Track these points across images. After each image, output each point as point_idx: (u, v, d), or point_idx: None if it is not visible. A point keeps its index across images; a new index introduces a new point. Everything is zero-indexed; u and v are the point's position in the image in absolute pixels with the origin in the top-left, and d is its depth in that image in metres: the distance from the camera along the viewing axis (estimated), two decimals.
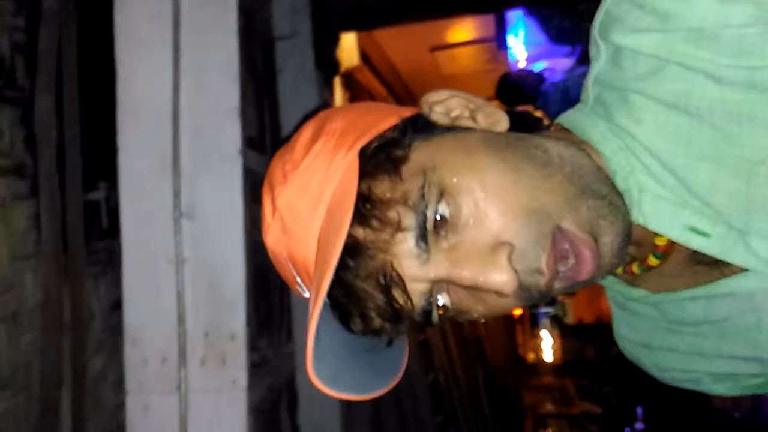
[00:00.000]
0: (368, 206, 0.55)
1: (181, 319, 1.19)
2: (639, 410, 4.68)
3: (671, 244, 0.60)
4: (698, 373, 0.68)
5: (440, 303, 0.58)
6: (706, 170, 0.56)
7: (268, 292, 1.83)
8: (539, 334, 8.47)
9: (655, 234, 0.60)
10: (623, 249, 0.57)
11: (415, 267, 0.55)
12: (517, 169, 0.56)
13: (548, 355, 8.26)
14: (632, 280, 0.67)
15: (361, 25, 2.45)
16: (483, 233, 0.55)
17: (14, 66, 1.33)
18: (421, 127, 0.60)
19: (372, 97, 4.25)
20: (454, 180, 0.55)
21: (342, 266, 0.56)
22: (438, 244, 0.56)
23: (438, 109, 0.63)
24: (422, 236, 0.55)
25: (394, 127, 0.60)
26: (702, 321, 0.63)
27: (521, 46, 4.04)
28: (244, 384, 1.21)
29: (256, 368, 1.44)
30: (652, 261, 0.62)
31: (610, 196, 0.58)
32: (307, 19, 2.02)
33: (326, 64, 2.18)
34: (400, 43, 4.22)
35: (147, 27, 1.25)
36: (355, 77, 3.80)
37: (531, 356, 8.48)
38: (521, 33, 3.89)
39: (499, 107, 0.65)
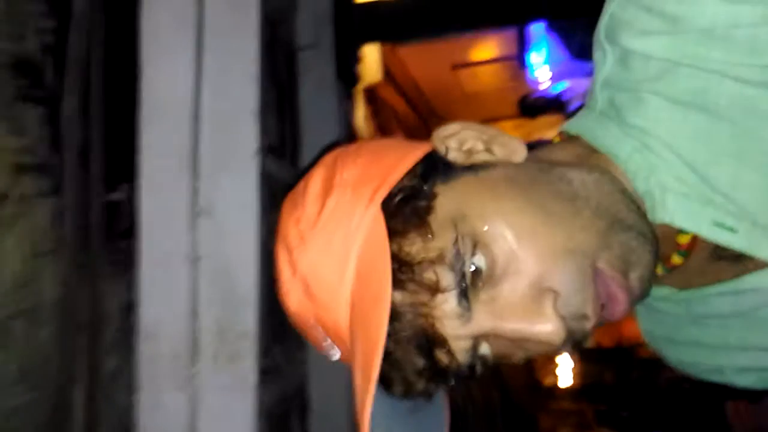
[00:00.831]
0: (403, 269, 0.53)
1: (194, 316, 1.20)
2: None
3: (694, 241, 0.59)
4: (722, 365, 0.67)
5: (481, 353, 0.56)
6: (727, 166, 0.55)
7: (282, 319, 1.83)
8: (557, 358, 8.37)
9: (678, 232, 0.59)
10: (652, 276, 0.57)
11: (459, 327, 0.53)
12: (545, 208, 0.55)
13: (566, 379, 8.15)
14: (655, 280, 0.65)
15: (382, 37, 2.48)
16: (523, 281, 0.53)
17: (43, 67, 1.36)
18: (439, 169, 0.58)
19: (395, 112, 4.28)
20: (486, 228, 0.53)
21: None
22: (477, 297, 0.54)
23: (452, 144, 0.61)
24: (464, 294, 0.53)
25: (412, 173, 0.58)
26: (728, 314, 0.63)
27: (544, 64, 4.04)
28: (254, 382, 1.22)
29: (268, 374, 1.45)
30: (676, 260, 0.62)
31: (638, 225, 0.57)
32: (330, 30, 2.04)
33: (347, 75, 2.20)
34: (423, 60, 4.26)
35: (171, 31, 1.28)
36: (378, 93, 3.83)
37: (548, 380, 8.37)
38: (543, 50, 3.90)
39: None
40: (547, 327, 0.52)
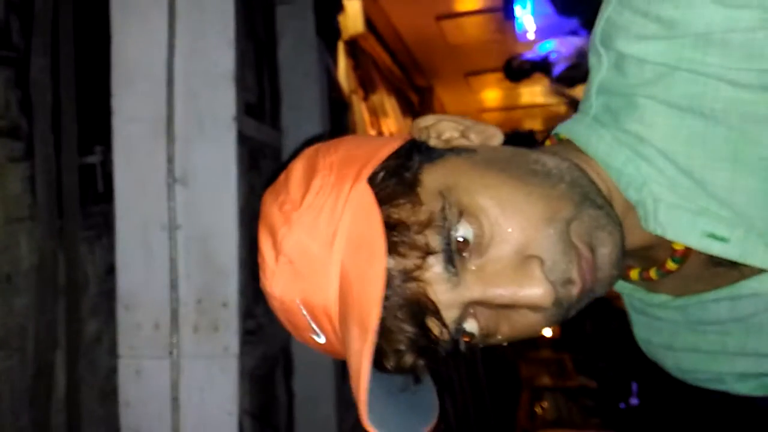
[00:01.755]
0: (393, 233, 0.53)
1: (173, 286, 1.19)
2: (634, 386, 4.72)
3: (688, 248, 0.60)
4: (722, 372, 0.67)
5: (467, 329, 0.56)
6: (724, 170, 0.55)
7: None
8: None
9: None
10: (621, 260, 0.56)
11: (448, 291, 0.54)
12: (525, 181, 0.56)
13: (547, 330, 8.31)
14: (651, 286, 0.67)
15: None
16: (509, 249, 0.54)
17: (9, 26, 1.31)
18: (422, 151, 0.59)
19: (376, 64, 4.21)
20: (471, 200, 0.54)
21: None
22: (465, 267, 0.54)
23: (430, 134, 0.62)
24: (449, 259, 0.53)
25: (397, 154, 0.58)
26: (726, 320, 0.63)
27: (529, 17, 3.98)
28: (236, 351, 1.22)
29: (250, 335, 1.45)
30: (671, 266, 0.62)
31: (605, 207, 0.57)
32: None
33: (328, 30, 2.15)
34: (406, 11, 4.17)
35: None
36: (360, 45, 3.76)
37: None
38: (528, 3, 3.83)
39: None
40: (536, 290, 0.52)
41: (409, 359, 0.56)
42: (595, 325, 6.79)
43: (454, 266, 0.53)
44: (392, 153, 0.58)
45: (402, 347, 0.55)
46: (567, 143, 0.64)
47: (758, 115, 0.53)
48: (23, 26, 1.34)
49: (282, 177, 0.62)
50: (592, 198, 0.57)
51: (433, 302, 0.53)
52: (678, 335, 0.68)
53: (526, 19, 4.03)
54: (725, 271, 0.60)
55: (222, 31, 1.22)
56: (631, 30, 0.56)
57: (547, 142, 0.67)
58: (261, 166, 1.81)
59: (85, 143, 1.47)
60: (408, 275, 0.53)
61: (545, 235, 0.54)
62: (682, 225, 0.57)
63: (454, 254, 0.53)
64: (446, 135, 0.62)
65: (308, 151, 0.62)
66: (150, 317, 1.21)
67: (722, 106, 0.54)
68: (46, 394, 1.34)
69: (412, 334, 0.54)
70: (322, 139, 0.64)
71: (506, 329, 0.57)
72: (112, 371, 1.41)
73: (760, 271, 0.58)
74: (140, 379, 1.22)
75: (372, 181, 0.56)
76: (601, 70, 0.60)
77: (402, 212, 0.54)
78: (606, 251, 0.55)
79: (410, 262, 0.53)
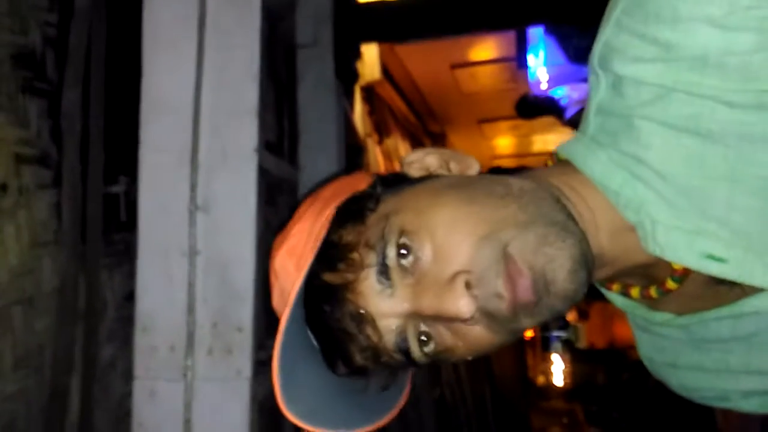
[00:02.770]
0: (334, 251, 0.59)
1: (190, 309, 1.22)
2: None
3: (688, 268, 0.60)
4: (726, 390, 0.68)
5: (423, 338, 0.60)
6: (722, 190, 0.56)
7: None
8: (550, 358, 8.39)
9: None
10: (580, 274, 0.57)
11: (381, 303, 0.58)
12: (473, 201, 0.59)
13: (558, 379, 8.19)
14: (653, 304, 0.67)
15: (381, 37, 2.50)
16: (442, 266, 0.57)
17: (45, 59, 1.38)
18: (394, 181, 0.64)
19: (391, 110, 4.30)
20: (414, 219, 0.58)
21: (320, 311, 0.60)
22: (404, 281, 0.58)
23: (414, 167, 0.66)
24: (383, 272, 0.58)
25: (372, 187, 0.64)
26: (729, 338, 0.63)
27: (542, 66, 4.06)
28: (248, 374, 1.24)
29: (262, 365, 1.47)
30: (671, 285, 0.63)
31: (563, 222, 0.58)
32: (329, 29, 2.06)
33: (346, 73, 2.22)
34: (421, 59, 4.27)
35: (173, 27, 1.30)
36: (376, 91, 3.84)
37: (541, 379, 8.40)
38: (541, 53, 3.91)
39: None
40: (455, 302, 0.55)
41: (357, 362, 0.60)
42: (608, 375, 6.69)
43: (388, 279, 0.58)
44: (369, 185, 0.64)
45: (349, 353, 0.60)
46: (565, 163, 0.65)
47: (755, 135, 0.54)
48: (58, 59, 1.41)
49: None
50: (546, 214, 0.58)
51: (368, 312, 0.59)
52: (681, 353, 0.69)
53: (539, 68, 4.12)
54: (726, 289, 0.60)
55: (247, 68, 1.28)
56: (628, 52, 0.56)
57: (549, 162, 0.69)
58: (278, 202, 1.86)
59: (111, 173, 1.52)
60: (346, 288, 0.58)
61: (478, 252, 0.56)
62: (680, 246, 0.58)
63: (390, 269, 0.58)
64: (432, 168, 0.66)
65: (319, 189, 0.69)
66: (166, 340, 1.24)
67: (719, 126, 0.54)
68: (60, 415, 1.36)
69: (355, 339, 0.59)
70: (337, 177, 0.70)
71: (460, 344, 0.60)
72: (126, 396, 1.43)
73: (761, 289, 0.58)
74: (154, 400, 1.24)
75: (340, 208, 0.61)
76: (599, 91, 0.61)
77: (346, 235, 0.59)
78: (556, 266, 0.56)
79: (347, 276, 0.58)
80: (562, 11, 2.09)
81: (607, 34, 0.58)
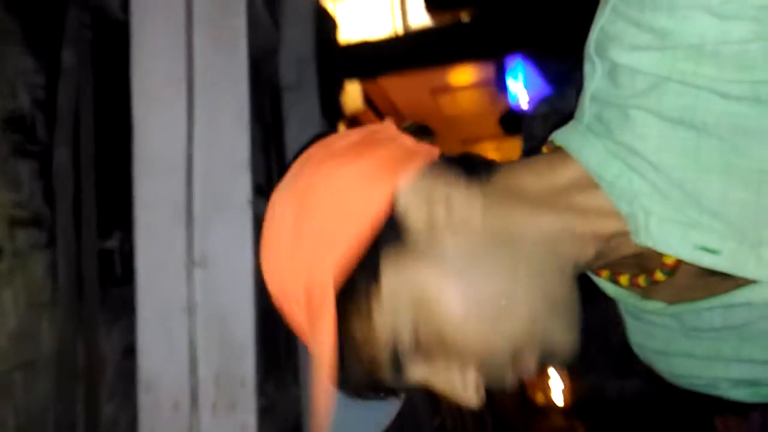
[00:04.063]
0: (347, 348, 0.60)
1: (192, 366, 1.22)
2: None
3: (679, 261, 0.61)
4: (716, 377, 0.68)
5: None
6: (716, 183, 0.55)
7: (275, 335, 1.86)
8: (548, 375, 8.36)
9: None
10: (576, 342, 0.61)
11: (392, 374, 0.61)
12: (481, 303, 0.59)
13: (558, 398, 8.15)
14: (645, 293, 0.67)
15: (363, 73, 2.54)
16: (454, 359, 0.60)
17: (34, 121, 1.39)
18: (393, 237, 0.60)
19: None
20: (427, 320, 0.59)
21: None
22: (413, 358, 0.61)
23: (420, 221, 0.61)
24: (397, 367, 0.60)
25: (368, 247, 0.60)
26: (720, 327, 0.64)
27: (522, 89, 4.12)
28: (253, 428, 1.24)
29: (264, 413, 1.46)
30: (660, 276, 0.63)
31: (570, 301, 0.61)
32: (313, 70, 2.09)
33: (331, 111, 2.25)
34: (402, 87, 4.33)
35: (162, 83, 1.31)
36: (359, 120, 3.88)
37: (540, 397, 8.36)
38: (520, 76, 3.97)
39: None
40: (466, 395, 0.60)
41: (365, 391, 0.63)
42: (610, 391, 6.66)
43: (400, 368, 0.61)
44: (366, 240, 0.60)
45: (357, 383, 0.62)
46: (560, 152, 0.64)
47: (750, 127, 0.53)
48: (48, 121, 1.42)
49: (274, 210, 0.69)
50: (558, 303, 0.60)
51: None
52: (672, 341, 0.69)
53: (518, 91, 4.17)
54: (718, 280, 0.60)
55: (237, 121, 1.29)
56: (624, 40, 0.55)
57: (544, 149, 0.68)
58: None
59: (105, 228, 1.53)
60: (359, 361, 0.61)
61: (490, 357, 0.59)
62: (673, 238, 0.58)
63: (401, 358, 0.60)
64: (435, 220, 0.61)
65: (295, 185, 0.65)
66: (170, 397, 1.24)
67: (714, 118, 0.54)
68: None
69: (365, 379, 0.62)
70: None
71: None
72: None
73: (754, 280, 0.58)
74: None
75: (337, 291, 0.59)
76: (594, 78, 0.60)
77: (357, 331, 0.59)
78: (560, 345, 0.60)
79: (363, 362, 0.60)
80: (540, 41, 2.13)
81: (603, 20, 0.57)
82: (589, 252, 0.63)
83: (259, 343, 1.28)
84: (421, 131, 0.69)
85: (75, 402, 1.39)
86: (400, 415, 0.69)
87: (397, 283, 0.59)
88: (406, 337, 0.59)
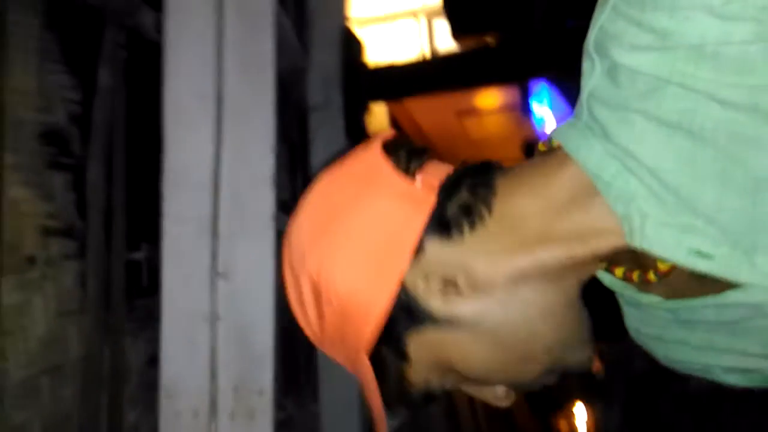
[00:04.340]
0: (384, 389, 0.66)
1: (213, 375, 1.26)
2: None
3: (672, 266, 0.61)
4: (709, 365, 0.70)
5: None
6: (711, 190, 0.55)
7: (295, 353, 1.89)
8: (573, 404, 8.22)
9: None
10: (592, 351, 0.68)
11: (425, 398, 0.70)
12: (503, 354, 0.65)
13: (582, 427, 8.00)
14: (641, 287, 0.68)
15: (388, 96, 2.58)
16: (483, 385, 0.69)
17: (70, 136, 1.45)
18: (411, 320, 0.64)
19: None
20: (451, 369, 0.66)
21: None
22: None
23: (425, 294, 0.64)
24: (428, 398, 0.68)
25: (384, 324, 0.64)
26: (714, 322, 0.64)
27: (547, 112, 4.14)
28: None
29: (282, 426, 1.49)
30: (652, 278, 0.64)
31: (583, 336, 0.66)
32: (339, 91, 2.14)
33: (356, 132, 2.29)
34: (428, 109, 4.36)
35: (193, 103, 1.37)
36: None
37: (564, 426, 8.22)
38: (545, 99, 3.99)
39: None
40: (499, 404, 0.68)
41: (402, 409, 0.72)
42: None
43: (431, 395, 0.69)
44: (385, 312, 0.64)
45: (395, 405, 0.69)
46: (558, 152, 0.64)
47: (747, 135, 0.53)
48: (82, 135, 1.48)
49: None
50: (568, 342, 0.66)
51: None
52: (668, 329, 0.70)
53: (544, 114, 4.19)
54: (712, 282, 0.60)
55: (263, 141, 1.34)
56: (625, 39, 0.55)
57: (541, 146, 0.68)
58: None
59: (133, 241, 1.58)
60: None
61: (515, 383, 0.68)
62: (668, 241, 0.58)
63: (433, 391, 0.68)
64: (457, 313, 0.65)
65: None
66: (190, 405, 1.27)
67: (712, 125, 0.53)
68: None
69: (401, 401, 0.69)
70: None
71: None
72: None
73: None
74: None
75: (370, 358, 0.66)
76: (593, 76, 0.60)
77: (392, 383, 0.67)
78: (576, 365, 0.67)
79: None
80: (564, 66, 2.15)
81: (603, 19, 0.57)
82: (591, 271, 0.65)
83: (278, 355, 1.31)
84: (415, 154, 0.70)
85: (99, 408, 1.43)
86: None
87: (422, 353, 0.65)
88: (436, 385, 0.67)
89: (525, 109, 4.12)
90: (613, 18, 0.56)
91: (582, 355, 0.66)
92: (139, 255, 1.58)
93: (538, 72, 2.27)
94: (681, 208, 0.57)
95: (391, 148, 0.67)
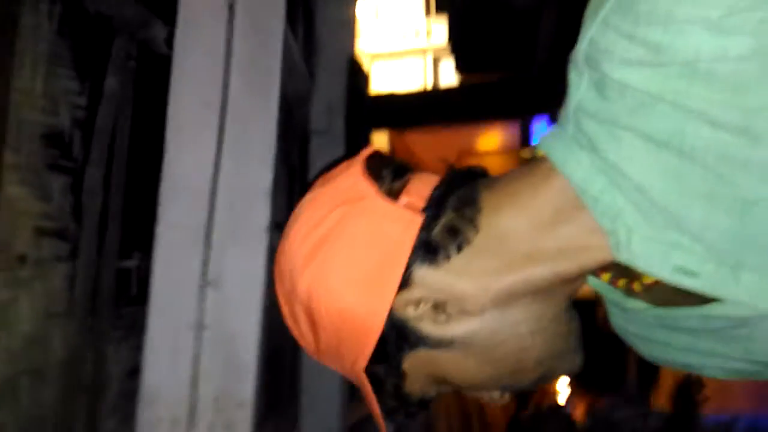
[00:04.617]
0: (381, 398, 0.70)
1: (194, 384, 1.25)
2: None
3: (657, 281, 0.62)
4: (691, 364, 0.72)
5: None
6: (698, 208, 0.55)
7: (278, 377, 1.87)
8: None
9: None
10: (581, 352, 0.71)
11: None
12: (496, 368, 0.68)
13: None
14: (626, 292, 0.68)
15: (391, 124, 2.62)
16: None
17: (72, 139, 1.46)
18: (403, 343, 0.68)
19: None
20: (447, 382, 0.70)
21: None
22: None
23: (415, 319, 0.67)
24: (424, 403, 0.73)
25: (378, 345, 0.66)
26: (698, 329, 0.65)
27: None
28: None
29: None
30: (637, 287, 0.65)
31: (574, 347, 0.69)
32: (342, 118, 2.17)
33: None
34: (429, 146, 4.40)
35: (196, 112, 1.39)
36: None
37: None
38: None
39: None
40: (496, 403, 0.71)
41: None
42: None
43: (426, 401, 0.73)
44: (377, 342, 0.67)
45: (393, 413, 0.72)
46: (544, 163, 0.64)
47: (736, 157, 0.52)
48: (84, 140, 1.49)
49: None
50: (560, 345, 0.68)
51: None
52: (652, 331, 0.71)
53: None
54: (696, 294, 0.61)
55: (263, 154, 1.35)
56: (615, 53, 0.54)
57: (525, 154, 0.69)
58: None
59: (125, 248, 1.58)
60: None
61: (509, 389, 0.72)
62: (654, 258, 0.58)
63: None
64: (435, 324, 0.67)
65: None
66: (169, 413, 1.25)
67: (702, 144, 0.53)
68: None
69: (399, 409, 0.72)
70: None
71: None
72: None
73: None
74: None
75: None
76: (580, 88, 0.59)
77: (389, 395, 0.69)
78: (567, 374, 0.70)
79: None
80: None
81: (593, 31, 0.56)
82: (578, 284, 0.66)
83: (261, 369, 1.30)
84: (398, 173, 0.70)
85: (76, 414, 1.41)
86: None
87: (417, 369, 0.68)
88: (432, 393, 0.70)
89: (525, 147, 4.15)
90: (603, 31, 0.55)
91: (572, 363, 0.69)
92: (130, 263, 1.58)
93: (540, 109, 2.30)
94: (667, 225, 0.57)
95: (374, 168, 0.69)
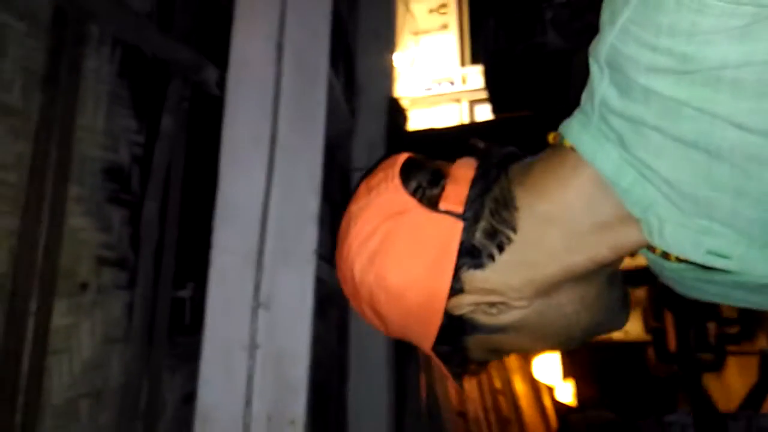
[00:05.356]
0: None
1: (248, 402, 1.28)
2: None
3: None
4: (727, 299, 0.73)
5: None
6: (727, 200, 0.57)
7: (325, 411, 1.89)
8: None
9: None
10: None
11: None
12: (547, 343, 0.75)
13: None
14: (663, 257, 0.69)
15: (429, 156, 2.67)
16: None
17: (131, 174, 1.55)
18: (462, 331, 0.74)
19: None
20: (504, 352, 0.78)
21: None
22: None
23: (470, 313, 0.72)
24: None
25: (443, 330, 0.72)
26: (731, 285, 0.66)
27: None
28: None
29: None
30: (673, 258, 0.65)
31: (616, 298, 0.75)
32: (382, 154, 2.23)
33: None
34: None
35: (248, 145, 1.46)
36: None
37: None
38: None
39: None
40: None
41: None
42: None
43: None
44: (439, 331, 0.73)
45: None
46: (571, 153, 0.65)
47: (763, 157, 0.54)
48: (142, 175, 1.58)
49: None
50: (604, 312, 0.73)
51: None
52: (687, 280, 0.72)
53: None
54: None
55: (310, 182, 1.42)
56: (641, 62, 0.54)
57: (551, 138, 0.69)
58: (329, 315, 1.94)
59: (180, 278, 1.64)
60: None
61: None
62: (686, 243, 0.61)
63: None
64: (488, 317, 0.73)
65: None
66: (224, 431, 1.29)
67: (728, 145, 0.54)
68: None
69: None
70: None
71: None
72: None
73: None
74: None
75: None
76: (602, 84, 0.60)
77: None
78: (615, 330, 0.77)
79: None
80: None
81: (612, 37, 0.56)
82: (619, 263, 0.70)
83: (312, 387, 1.33)
84: (433, 179, 0.74)
85: None
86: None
87: (477, 347, 0.75)
88: (492, 359, 0.79)
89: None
90: (624, 39, 0.55)
91: (620, 322, 0.75)
92: (184, 293, 1.64)
93: None
94: (697, 214, 0.59)
95: (409, 173, 0.73)
